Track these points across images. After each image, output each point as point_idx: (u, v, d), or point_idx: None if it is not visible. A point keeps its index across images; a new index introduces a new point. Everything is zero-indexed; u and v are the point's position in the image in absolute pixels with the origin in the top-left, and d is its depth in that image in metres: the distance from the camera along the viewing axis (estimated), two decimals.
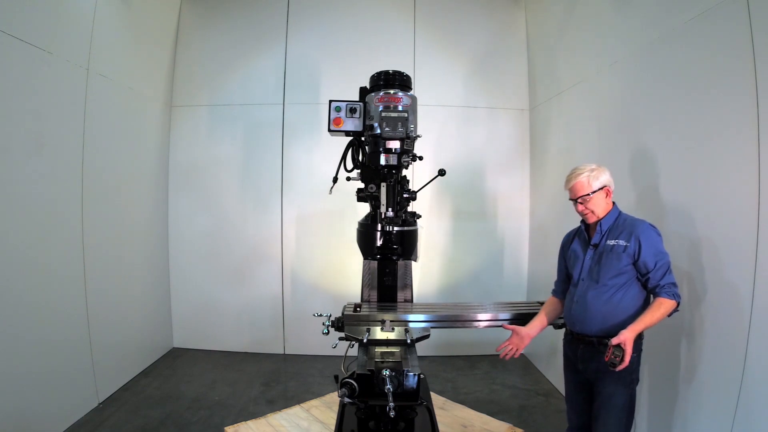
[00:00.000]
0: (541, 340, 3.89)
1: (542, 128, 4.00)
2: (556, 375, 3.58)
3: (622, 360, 1.71)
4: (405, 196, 2.25)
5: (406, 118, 2.13)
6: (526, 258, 4.25)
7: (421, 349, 2.13)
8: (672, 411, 2.22)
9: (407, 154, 2.21)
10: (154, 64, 3.93)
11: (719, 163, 2.00)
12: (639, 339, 1.85)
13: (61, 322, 2.79)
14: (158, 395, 3.32)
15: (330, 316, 2.10)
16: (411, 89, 2.34)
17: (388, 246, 2.29)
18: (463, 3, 4.26)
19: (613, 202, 1.96)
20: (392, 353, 1.90)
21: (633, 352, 1.76)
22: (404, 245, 2.29)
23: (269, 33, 4.19)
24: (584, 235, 2.04)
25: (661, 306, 1.79)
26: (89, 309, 3.02)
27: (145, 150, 3.84)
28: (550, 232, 3.77)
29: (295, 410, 2.66)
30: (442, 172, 2.34)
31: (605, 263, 1.90)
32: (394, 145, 2.16)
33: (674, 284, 1.82)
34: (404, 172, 2.32)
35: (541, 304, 2.26)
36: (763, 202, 1.78)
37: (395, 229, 2.21)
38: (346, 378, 1.75)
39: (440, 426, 2.00)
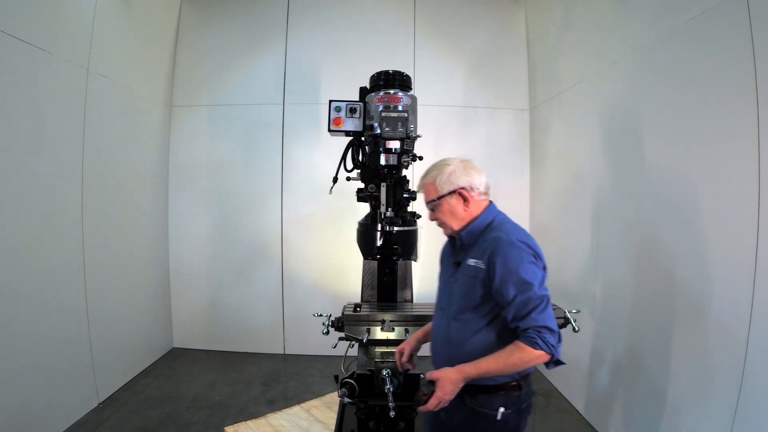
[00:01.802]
0: None
1: (542, 128, 4.00)
2: (556, 375, 3.58)
3: (426, 400, 1.35)
4: (405, 196, 2.25)
5: (406, 118, 2.14)
6: None
7: (421, 348, 2.12)
8: (672, 411, 2.22)
9: (407, 154, 2.21)
10: (154, 64, 3.92)
11: (719, 163, 1.99)
12: (517, 392, 1.43)
13: (61, 322, 2.79)
14: (158, 395, 3.32)
15: (330, 316, 2.10)
16: (411, 89, 2.34)
17: (388, 246, 2.29)
18: (463, 3, 4.26)
19: (491, 203, 1.54)
20: (392, 353, 1.90)
21: (507, 410, 1.40)
22: (404, 245, 2.29)
23: (269, 33, 4.19)
24: (449, 249, 1.62)
25: (516, 351, 1.32)
26: (89, 309, 3.02)
27: (145, 150, 3.84)
28: (550, 233, 3.77)
29: (295, 410, 2.66)
30: None
31: (458, 290, 1.48)
32: (394, 145, 2.17)
33: (548, 329, 1.32)
34: (404, 172, 2.32)
35: None
36: (763, 202, 1.77)
37: (395, 229, 2.21)
38: (346, 378, 1.76)
39: None
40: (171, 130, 4.21)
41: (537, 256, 1.41)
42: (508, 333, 1.41)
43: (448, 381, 1.34)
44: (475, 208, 1.51)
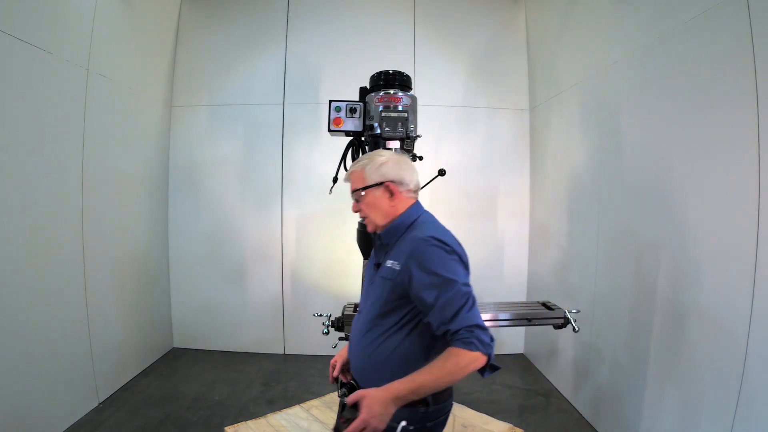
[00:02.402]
0: (542, 340, 3.90)
1: (542, 128, 4.00)
2: (556, 375, 3.58)
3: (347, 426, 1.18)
4: None
5: (406, 118, 2.14)
6: (526, 258, 4.25)
7: None
8: (672, 411, 2.22)
9: (407, 154, 2.21)
10: (154, 64, 3.92)
11: (719, 162, 2.00)
12: (423, 408, 1.29)
13: (61, 322, 2.79)
14: (158, 395, 3.32)
15: (330, 316, 2.11)
16: (411, 89, 2.34)
17: None
18: (463, 3, 4.26)
19: (417, 203, 1.48)
20: None
21: (410, 425, 1.26)
22: None
23: (269, 33, 4.20)
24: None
25: (450, 358, 1.19)
26: (89, 309, 3.02)
27: (145, 150, 3.84)
28: (550, 232, 3.77)
29: (295, 410, 2.66)
30: (442, 172, 2.34)
31: (373, 293, 1.40)
32: (394, 145, 2.17)
33: (479, 327, 1.22)
34: None
35: (542, 304, 2.25)
36: (763, 202, 1.77)
37: None
38: None
39: None
40: (171, 130, 4.21)
41: (456, 253, 1.31)
42: (428, 340, 1.31)
43: (375, 401, 1.17)
44: (401, 206, 1.42)
